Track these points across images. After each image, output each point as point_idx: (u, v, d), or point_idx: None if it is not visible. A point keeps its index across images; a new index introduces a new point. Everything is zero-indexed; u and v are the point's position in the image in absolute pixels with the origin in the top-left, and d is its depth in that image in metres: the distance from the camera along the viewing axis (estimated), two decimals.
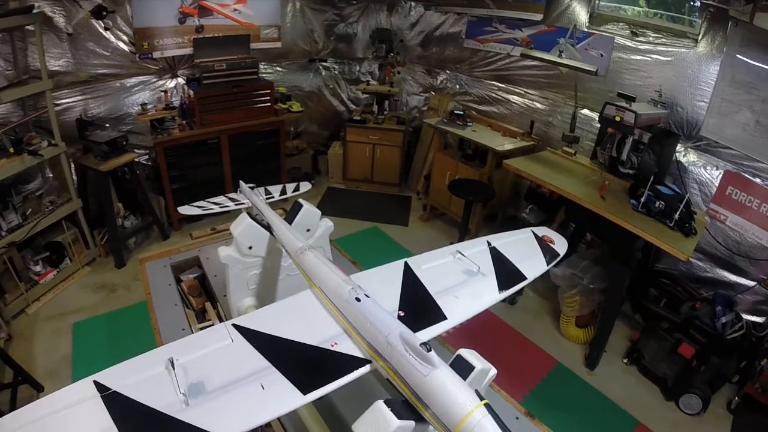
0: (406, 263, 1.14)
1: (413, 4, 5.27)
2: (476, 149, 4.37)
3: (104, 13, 3.38)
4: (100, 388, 0.69)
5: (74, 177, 3.98)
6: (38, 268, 3.63)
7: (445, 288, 1.08)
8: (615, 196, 2.89)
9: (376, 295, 0.93)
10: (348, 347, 0.81)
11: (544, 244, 1.41)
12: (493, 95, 4.64)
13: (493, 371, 0.77)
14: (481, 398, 0.62)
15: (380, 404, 0.65)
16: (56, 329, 3.31)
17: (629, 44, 3.36)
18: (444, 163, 4.60)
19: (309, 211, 1.42)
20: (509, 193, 4.52)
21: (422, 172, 5.33)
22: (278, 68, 5.37)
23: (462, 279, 1.13)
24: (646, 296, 3.21)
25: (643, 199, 2.67)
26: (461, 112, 4.52)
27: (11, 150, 3.31)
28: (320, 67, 5.69)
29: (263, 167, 4.84)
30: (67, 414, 0.66)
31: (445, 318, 0.97)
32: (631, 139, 2.93)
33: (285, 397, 0.70)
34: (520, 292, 3.68)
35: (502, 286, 1.14)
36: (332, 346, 0.81)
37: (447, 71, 5.19)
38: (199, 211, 1.69)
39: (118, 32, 4.09)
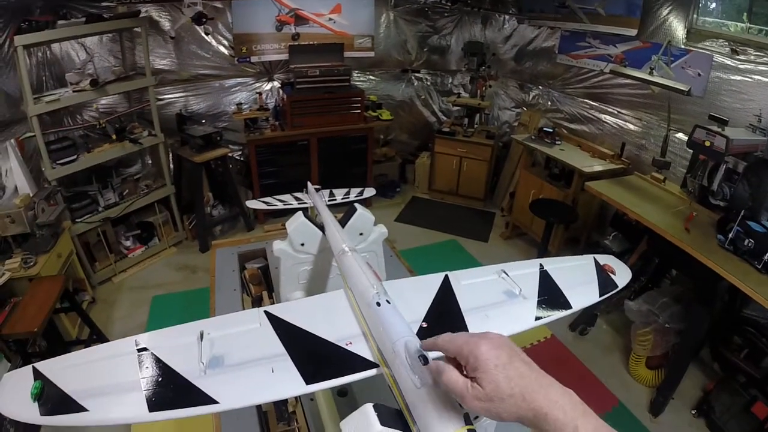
0: (446, 276, 1.11)
1: (507, 17, 5.19)
2: (563, 169, 4.20)
3: (204, 20, 3.70)
4: (138, 347, 0.78)
5: (171, 165, 4.42)
6: (128, 243, 4.08)
7: (479, 306, 1.04)
8: (701, 230, 2.64)
9: (405, 304, 0.93)
10: (361, 349, 0.82)
11: (603, 274, 1.32)
12: (585, 113, 4.42)
13: None
14: (469, 423, 0.60)
15: (368, 407, 0.64)
16: (136, 299, 3.67)
17: (729, 63, 3.03)
18: (529, 181, 4.47)
19: (362, 215, 1.44)
20: (595, 217, 4.27)
21: (508, 188, 5.20)
22: (371, 77, 5.55)
23: (500, 299, 1.08)
24: (728, 344, 2.86)
25: (731, 235, 2.40)
26: (551, 130, 4.36)
27: (113, 137, 3.76)
28: (413, 78, 5.80)
29: (350, 171, 5.00)
30: (107, 363, 0.76)
31: None
32: (723, 167, 2.63)
33: (289, 383, 0.73)
34: (591, 323, 3.48)
35: (541, 312, 1.07)
36: (347, 345, 0.83)
37: (539, 87, 5.05)
38: (264, 207, 1.81)
39: (219, 37, 4.49)
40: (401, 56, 5.59)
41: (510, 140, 5.26)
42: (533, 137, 4.49)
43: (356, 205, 1.51)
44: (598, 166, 3.85)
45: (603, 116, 4.23)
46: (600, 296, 1.25)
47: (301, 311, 0.94)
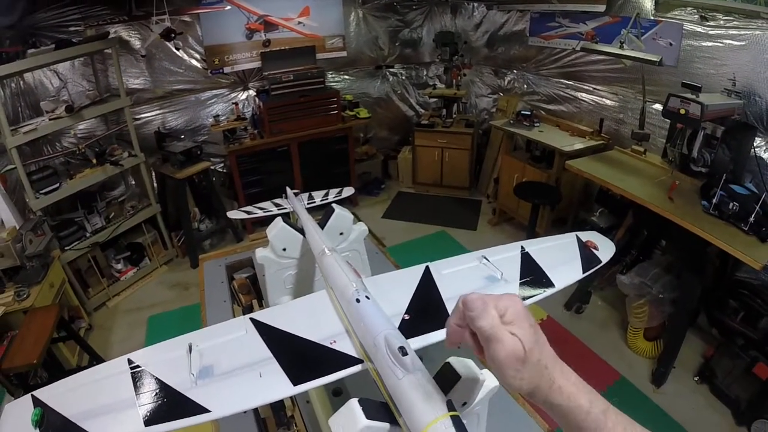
0: (426, 267, 1.12)
1: (476, 4, 5.21)
2: (544, 150, 4.23)
3: (173, 36, 3.68)
4: (131, 364, 0.80)
5: (154, 184, 4.40)
6: (119, 266, 4.07)
7: (460, 293, 1.05)
8: (685, 198, 2.67)
9: (387, 298, 0.94)
10: (345, 346, 0.84)
11: (586, 250, 1.33)
12: (561, 93, 4.46)
13: (491, 382, 0.72)
14: (452, 409, 0.60)
15: (354, 402, 0.66)
16: (133, 321, 3.67)
17: (699, 30, 3.05)
18: (511, 165, 4.52)
19: (340, 215, 1.46)
20: (580, 195, 4.32)
21: (492, 175, 5.25)
22: (346, 76, 5.56)
23: (481, 285, 1.09)
24: (724, 309, 2.91)
25: (715, 200, 2.44)
26: (528, 113, 4.41)
27: (94, 161, 3.74)
28: (387, 74, 5.82)
29: (333, 172, 5.01)
30: (103, 383, 0.78)
31: None
32: (702, 133, 2.66)
33: (277, 386, 0.75)
34: (586, 300, 3.52)
35: (524, 295, 1.08)
36: (331, 344, 0.85)
37: (514, 71, 5.08)
38: (245, 216, 1.83)
39: (191, 51, 4.47)
40: (374, 53, 5.60)
41: (490, 127, 5.30)
42: (511, 121, 4.54)
43: (334, 205, 1.52)
44: (578, 144, 3.89)
45: (579, 94, 4.26)
46: (583, 273, 1.25)
47: (286, 315, 0.96)
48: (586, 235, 1.44)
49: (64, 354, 3.15)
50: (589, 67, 4.08)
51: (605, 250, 1.37)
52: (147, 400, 0.74)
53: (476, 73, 5.58)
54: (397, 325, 0.88)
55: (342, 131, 4.91)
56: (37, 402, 0.74)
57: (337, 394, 1.36)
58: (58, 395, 0.75)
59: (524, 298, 1.06)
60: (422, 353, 0.80)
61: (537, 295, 1.10)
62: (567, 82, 4.39)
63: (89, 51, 3.71)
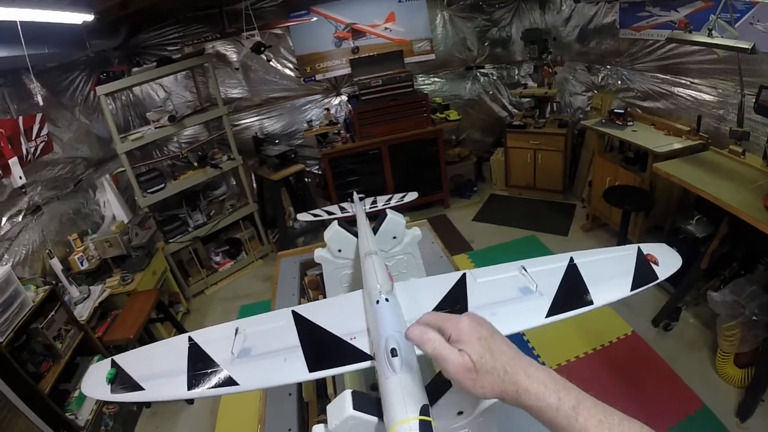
0: (463, 274, 1.13)
1: None
2: (638, 152, 3.95)
3: (263, 49, 3.97)
4: (190, 341, 0.97)
5: (253, 185, 4.83)
6: (218, 258, 4.53)
7: (489, 303, 1.04)
8: None
9: (413, 302, 1.00)
10: (362, 343, 0.91)
11: (644, 265, 1.24)
12: (657, 89, 4.11)
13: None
14: (425, 414, 0.63)
15: (347, 393, 0.72)
16: (226, 309, 4.04)
17: None
18: (604, 167, 4.28)
19: (393, 220, 1.52)
20: (678, 200, 3.95)
21: (587, 177, 4.99)
22: (436, 79, 5.63)
23: (513, 296, 1.07)
24: None
25: None
26: (622, 111, 4.14)
27: (195, 164, 4.21)
28: (478, 74, 5.80)
29: (424, 175, 5.07)
30: (167, 353, 0.96)
31: None
32: None
33: (296, 371, 0.86)
34: (676, 317, 3.23)
35: (556, 309, 1.04)
36: (351, 339, 0.93)
37: (607, 66, 4.76)
38: (312, 218, 2.00)
39: (284, 60, 4.82)
40: (463, 54, 5.60)
41: (584, 127, 5.04)
42: (603, 120, 4.28)
43: (388, 210, 1.59)
44: (675, 144, 3.57)
45: (676, 89, 3.89)
46: (632, 290, 1.14)
47: (322, 310, 1.07)
48: (652, 248, 1.33)
49: (161, 333, 3.58)
50: (684, 59, 3.71)
51: (669, 265, 1.25)
52: (194, 369, 0.89)
53: (569, 71, 5.33)
54: None
55: (432, 134, 4.95)
56: (114, 365, 0.93)
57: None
58: (132, 361, 0.94)
59: (550, 315, 1.02)
60: None
61: (569, 312, 1.05)
62: (662, 76, 4.02)
63: (187, 66, 4.15)
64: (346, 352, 0.91)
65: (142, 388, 0.87)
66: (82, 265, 3.31)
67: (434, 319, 0.68)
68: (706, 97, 3.62)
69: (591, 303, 1.07)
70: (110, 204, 3.86)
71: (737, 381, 2.71)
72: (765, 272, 2.87)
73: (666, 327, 3.22)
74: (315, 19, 4.66)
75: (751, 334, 2.54)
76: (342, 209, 1.97)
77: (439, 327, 0.66)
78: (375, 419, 0.71)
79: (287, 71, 4.89)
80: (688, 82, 3.76)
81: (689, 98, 3.79)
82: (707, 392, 2.71)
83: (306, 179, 5.07)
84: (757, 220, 2.29)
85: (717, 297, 2.66)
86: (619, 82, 4.61)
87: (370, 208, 1.95)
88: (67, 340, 2.77)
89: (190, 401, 3.18)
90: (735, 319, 2.57)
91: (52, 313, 2.69)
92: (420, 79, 5.46)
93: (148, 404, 3.20)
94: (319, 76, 4.99)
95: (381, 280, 1.06)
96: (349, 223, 1.57)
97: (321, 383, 1.54)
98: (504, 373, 0.59)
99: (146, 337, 3.14)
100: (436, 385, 0.73)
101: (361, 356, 0.90)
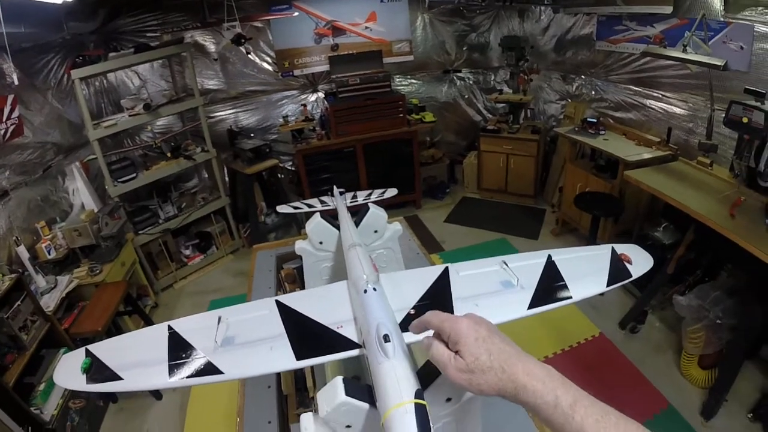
0: (446, 268, 1.14)
1: (542, 8, 5.10)
2: (608, 160, 4.07)
3: (243, 41, 3.92)
4: (170, 329, 0.94)
5: (226, 178, 4.74)
6: (188, 252, 4.42)
7: (471, 295, 1.06)
8: (749, 215, 2.48)
9: (398, 293, 1.00)
10: (349, 332, 0.91)
11: (618, 263, 1.30)
12: (629, 100, 4.26)
13: None
14: (420, 398, 0.63)
15: (338, 379, 0.72)
16: (195, 303, 3.96)
17: None
18: (575, 174, 4.39)
19: (375, 213, 1.52)
20: (646, 208, 4.10)
21: (558, 183, 5.13)
22: (413, 80, 5.66)
23: (495, 289, 1.10)
24: None
25: None
26: (594, 120, 4.27)
27: (169, 155, 4.10)
28: (455, 78, 5.86)
29: (397, 174, 5.09)
30: (145, 343, 0.93)
31: None
32: None
33: (282, 359, 0.85)
34: (642, 320, 3.34)
35: (537, 302, 1.07)
36: (338, 328, 0.92)
37: (582, 76, 4.91)
38: (293, 210, 1.97)
39: (262, 54, 4.76)
40: (441, 57, 5.66)
41: (557, 134, 5.17)
42: (576, 129, 4.41)
43: (369, 204, 1.59)
44: (645, 154, 3.71)
45: (647, 101, 4.05)
46: (607, 286, 1.19)
47: (306, 299, 1.05)
48: (625, 248, 1.37)
49: (129, 326, 3.49)
50: (657, 73, 3.87)
51: (641, 264, 1.30)
52: (175, 358, 0.87)
53: (545, 79, 5.46)
54: (402, 318, 0.93)
55: (407, 134, 4.98)
56: (89, 354, 0.89)
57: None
58: (108, 350, 0.90)
59: (532, 307, 1.06)
60: None
61: (549, 304, 1.09)
62: (635, 88, 4.18)
63: (165, 55, 4.05)
64: (334, 341, 0.91)
65: (120, 378, 0.83)
66: (49, 254, 3.17)
67: (434, 319, 0.69)
68: (677, 110, 3.77)
69: (570, 297, 1.11)
70: (80, 192, 3.72)
71: (701, 382, 2.82)
72: (728, 278, 3.01)
73: (633, 329, 3.32)
74: (296, 14, 4.62)
75: (715, 336, 2.65)
76: (322, 202, 1.96)
77: (439, 327, 0.67)
78: (367, 405, 0.71)
79: (265, 65, 4.83)
80: (660, 95, 3.91)
81: (660, 110, 3.94)
82: (673, 393, 2.80)
83: (279, 175, 5.01)
84: (724, 227, 2.38)
85: (683, 301, 2.76)
86: (593, 93, 4.75)
87: (351, 202, 1.94)
88: (33, 331, 2.65)
89: (159, 396, 3.09)
90: (700, 322, 2.68)
91: (18, 302, 2.57)
92: (397, 79, 5.49)
93: (115, 399, 3.09)
94: (297, 72, 4.95)
95: (367, 270, 1.06)
96: (331, 217, 1.56)
97: (300, 377, 1.52)
98: (502, 372, 0.60)
99: (114, 330, 3.04)
100: (426, 372, 0.73)
101: (350, 344, 0.89)
